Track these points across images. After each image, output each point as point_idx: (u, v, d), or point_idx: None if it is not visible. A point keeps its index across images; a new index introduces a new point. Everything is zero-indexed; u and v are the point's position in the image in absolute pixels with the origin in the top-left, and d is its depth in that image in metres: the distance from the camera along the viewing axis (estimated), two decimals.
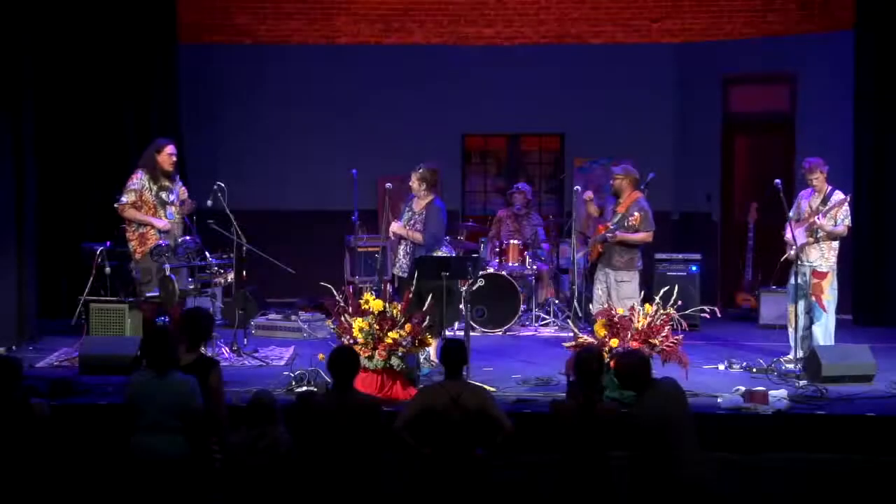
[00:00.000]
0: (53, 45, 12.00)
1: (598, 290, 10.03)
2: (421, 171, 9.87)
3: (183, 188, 10.13)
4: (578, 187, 10.42)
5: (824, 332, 9.70)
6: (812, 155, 12.07)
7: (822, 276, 9.67)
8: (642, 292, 9.75)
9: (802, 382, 8.99)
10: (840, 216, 9.69)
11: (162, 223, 9.76)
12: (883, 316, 12.18)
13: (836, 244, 9.73)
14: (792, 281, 9.80)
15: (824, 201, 9.74)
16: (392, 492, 6.97)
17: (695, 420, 6.52)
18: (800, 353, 9.77)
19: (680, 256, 12.21)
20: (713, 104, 13.62)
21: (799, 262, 9.71)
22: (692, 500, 6.24)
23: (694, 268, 12.11)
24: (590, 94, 13.81)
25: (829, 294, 9.69)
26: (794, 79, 13.13)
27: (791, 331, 9.89)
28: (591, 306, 10.11)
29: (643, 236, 9.97)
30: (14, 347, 10.36)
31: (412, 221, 9.83)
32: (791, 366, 9.52)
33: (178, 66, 12.85)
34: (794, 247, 9.68)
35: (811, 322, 9.80)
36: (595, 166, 13.62)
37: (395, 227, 9.87)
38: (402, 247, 9.97)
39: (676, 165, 13.88)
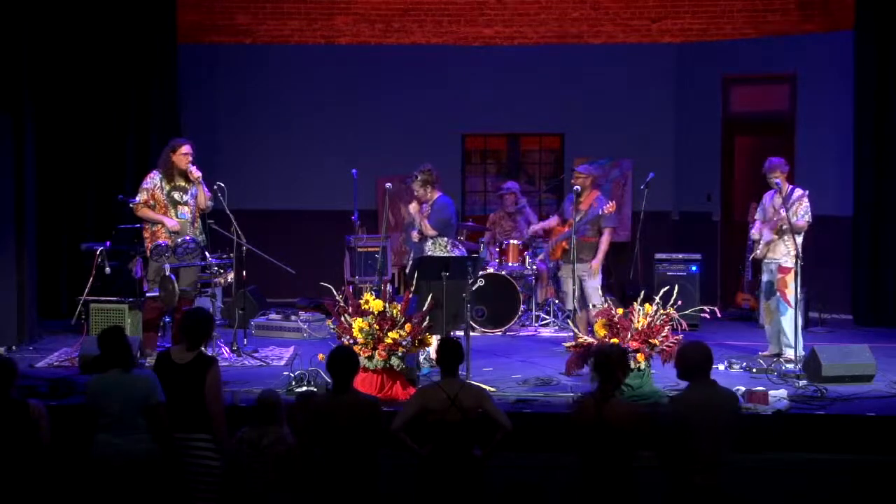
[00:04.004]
0: (53, 46, 12.01)
1: (570, 288, 10.15)
2: (420, 177, 10.26)
3: (204, 188, 10.08)
4: (578, 187, 10.44)
5: (790, 326, 9.75)
6: (811, 154, 12.12)
7: (787, 271, 9.79)
8: (642, 292, 9.77)
9: (802, 382, 8.99)
10: (801, 211, 9.84)
11: (172, 222, 9.79)
12: (883, 316, 12.18)
13: (800, 239, 9.79)
14: (764, 279, 10.05)
15: (786, 199, 9.84)
16: (391, 492, 6.97)
17: (735, 432, 6.41)
18: (775, 350, 10.04)
19: (680, 256, 12.22)
20: (713, 104, 13.61)
21: (766, 260, 9.97)
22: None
23: (694, 268, 12.11)
24: (590, 94, 13.81)
25: (798, 290, 9.70)
26: (794, 79, 13.12)
27: (767, 327, 10.14)
28: (569, 304, 10.25)
29: (608, 239, 10.35)
30: (14, 347, 10.36)
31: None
32: (791, 366, 9.54)
33: (178, 66, 12.85)
34: (759, 245, 10.00)
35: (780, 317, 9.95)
36: (595, 166, 13.60)
37: (413, 207, 10.29)
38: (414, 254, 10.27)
39: (676, 165, 13.87)
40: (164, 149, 10.08)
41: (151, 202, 9.83)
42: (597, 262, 10.30)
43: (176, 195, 9.87)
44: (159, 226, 9.79)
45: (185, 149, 9.92)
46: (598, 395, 6.25)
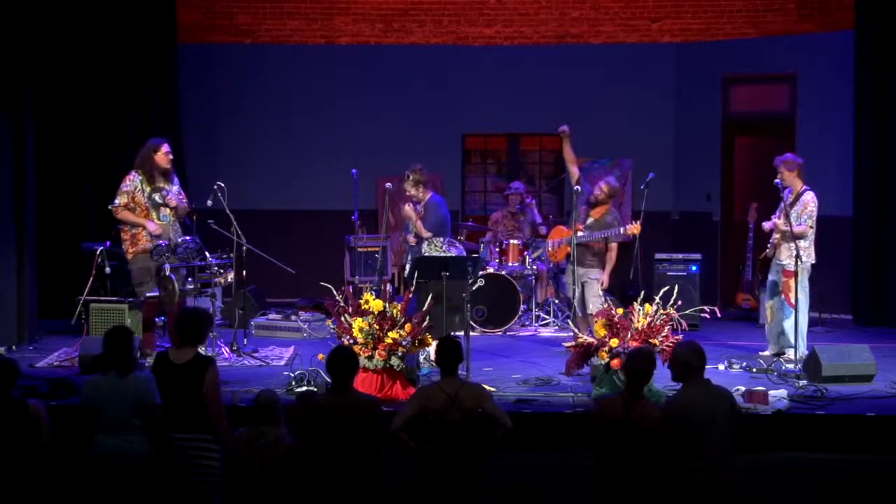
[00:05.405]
0: (54, 46, 12.02)
1: (576, 291, 10.15)
2: (412, 177, 10.51)
3: (179, 190, 10.11)
4: (578, 187, 10.44)
5: (792, 329, 9.74)
6: (811, 154, 12.07)
7: (790, 274, 9.75)
8: (642, 292, 9.77)
9: (802, 382, 8.99)
10: (804, 216, 9.81)
11: (153, 226, 9.77)
12: (883, 316, 12.18)
13: (805, 243, 9.75)
14: (770, 278, 10.10)
15: (794, 201, 9.84)
16: (391, 491, 6.97)
17: (732, 429, 6.41)
18: (774, 349, 10.07)
19: (680, 256, 12.23)
20: (713, 104, 13.61)
21: (775, 260, 10.00)
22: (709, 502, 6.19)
23: (694, 268, 12.12)
24: (590, 94, 13.81)
25: (800, 293, 9.67)
26: (794, 79, 13.12)
27: (767, 327, 10.18)
28: (574, 307, 10.25)
29: (615, 255, 10.30)
30: (14, 347, 10.37)
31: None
32: (791, 366, 9.54)
33: (178, 66, 12.86)
34: (770, 244, 10.02)
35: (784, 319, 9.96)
36: (595, 166, 13.61)
37: (407, 208, 10.54)
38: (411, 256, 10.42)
39: (676, 165, 13.88)
40: (141, 149, 10.04)
41: (132, 205, 9.82)
42: (606, 276, 10.27)
43: (157, 197, 9.85)
44: (139, 229, 9.77)
45: (166, 148, 9.92)
46: (626, 395, 6.28)
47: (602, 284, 10.23)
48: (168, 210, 9.89)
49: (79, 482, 6.68)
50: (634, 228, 10.15)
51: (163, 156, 9.88)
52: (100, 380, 6.42)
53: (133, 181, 9.84)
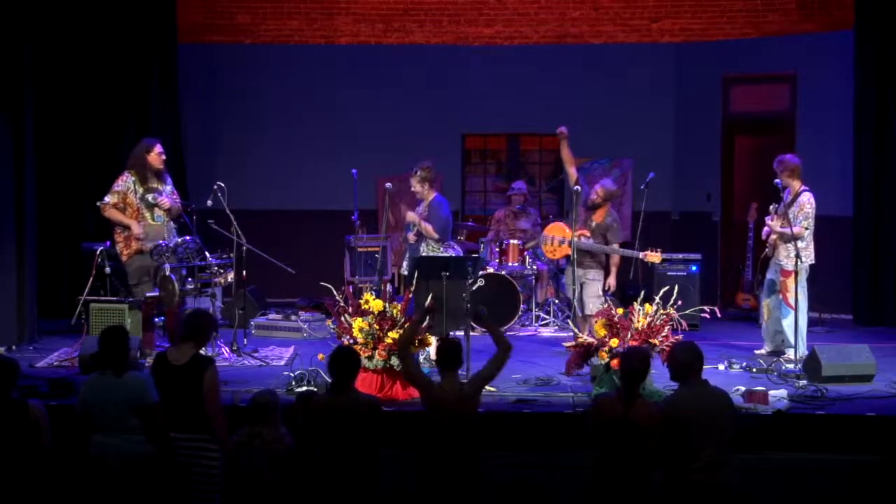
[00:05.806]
0: (54, 46, 12.01)
1: (575, 290, 10.16)
2: (419, 173, 10.35)
3: (172, 189, 10.11)
4: (577, 187, 10.44)
5: (792, 329, 9.74)
6: (811, 154, 12.11)
7: (788, 274, 9.76)
8: (642, 292, 9.77)
9: (802, 382, 8.99)
10: (801, 217, 9.79)
11: (138, 229, 9.77)
12: (883, 316, 12.17)
13: (802, 244, 9.74)
14: (768, 276, 10.12)
15: (792, 201, 9.84)
16: (391, 492, 6.97)
17: (729, 430, 6.42)
18: (769, 347, 10.11)
19: (680, 256, 12.22)
20: (713, 104, 13.61)
21: (774, 260, 10.01)
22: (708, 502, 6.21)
23: (694, 268, 12.12)
24: (590, 94, 13.80)
25: (799, 293, 9.66)
26: (794, 79, 13.12)
27: (764, 325, 10.19)
28: (574, 307, 10.25)
29: (619, 259, 10.29)
30: (14, 347, 10.36)
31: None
32: (791, 366, 9.54)
33: (178, 66, 12.85)
34: (769, 244, 10.03)
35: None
36: (595, 166, 13.61)
37: (410, 215, 10.44)
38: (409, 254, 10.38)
39: (676, 165, 13.87)
40: (134, 149, 10.06)
41: (122, 205, 9.81)
42: (613, 279, 10.27)
43: (149, 198, 9.85)
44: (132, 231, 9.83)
45: (158, 148, 9.95)
46: (622, 394, 6.29)
47: (609, 288, 10.24)
48: (161, 210, 9.90)
49: (78, 482, 6.68)
50: (654, 257, 10.15)
51: (156, 156, 9.89)
52: (97, 380, 6.43)
53: (126, 182, 9.86)
